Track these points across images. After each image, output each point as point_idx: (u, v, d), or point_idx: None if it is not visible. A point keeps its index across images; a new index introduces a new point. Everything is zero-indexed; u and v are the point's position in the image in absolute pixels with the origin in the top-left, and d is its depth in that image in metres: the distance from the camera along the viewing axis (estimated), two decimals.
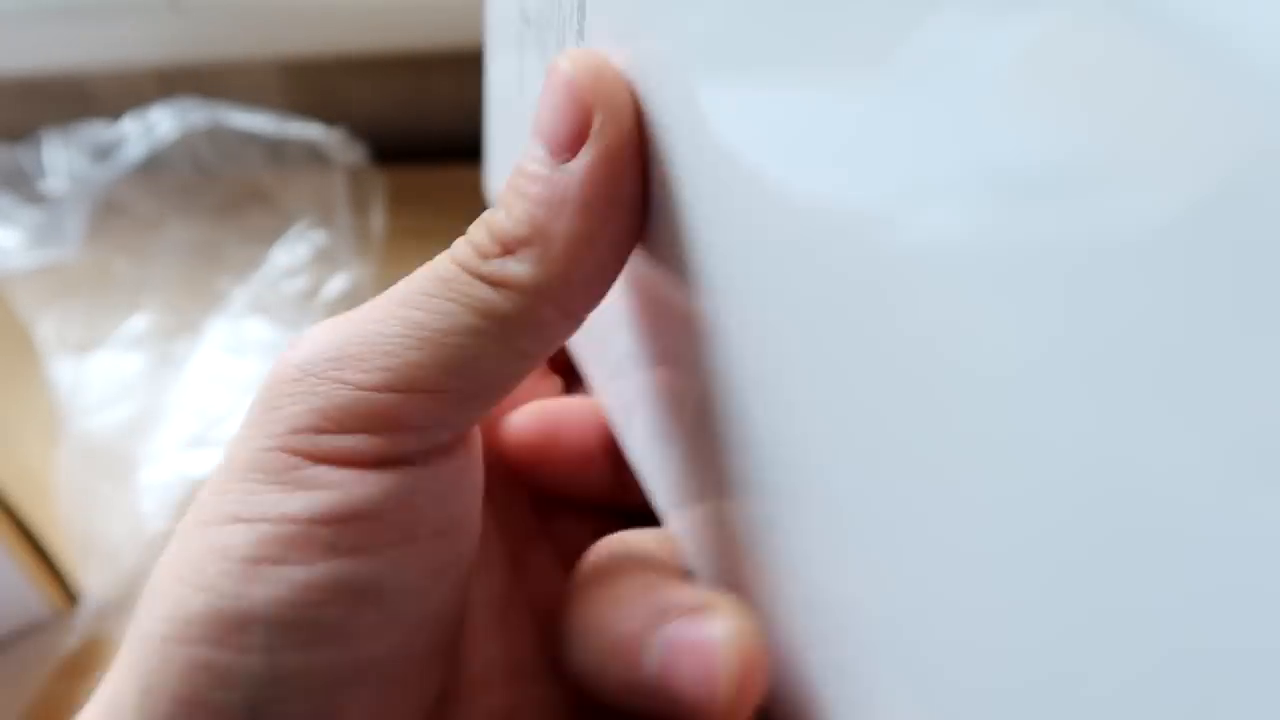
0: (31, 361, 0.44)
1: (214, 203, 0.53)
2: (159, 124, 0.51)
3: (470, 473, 0.16)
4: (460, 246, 0.15)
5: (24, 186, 0.51)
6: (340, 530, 0.14)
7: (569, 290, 0.15)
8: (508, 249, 0.15)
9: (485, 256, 0.15)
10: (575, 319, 0.15)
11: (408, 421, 0.15)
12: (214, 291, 0.50)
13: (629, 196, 0.15)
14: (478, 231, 0.15)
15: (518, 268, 0.15)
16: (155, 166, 0.51)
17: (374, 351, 0.15)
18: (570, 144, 0.15)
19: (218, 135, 0.51)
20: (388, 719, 0.15)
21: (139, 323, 0.49)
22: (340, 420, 0.15)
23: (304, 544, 0.14)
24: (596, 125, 0.14)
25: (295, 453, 0.15)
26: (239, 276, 0.50)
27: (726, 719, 0.13)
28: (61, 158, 0.51)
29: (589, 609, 0.15)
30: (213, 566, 0.14)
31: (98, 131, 0.51)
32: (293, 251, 0.51)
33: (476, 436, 0.17)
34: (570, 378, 0.23)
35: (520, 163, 0.15)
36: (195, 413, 0.45)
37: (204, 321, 0.48)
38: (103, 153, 0.51)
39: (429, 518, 0.15)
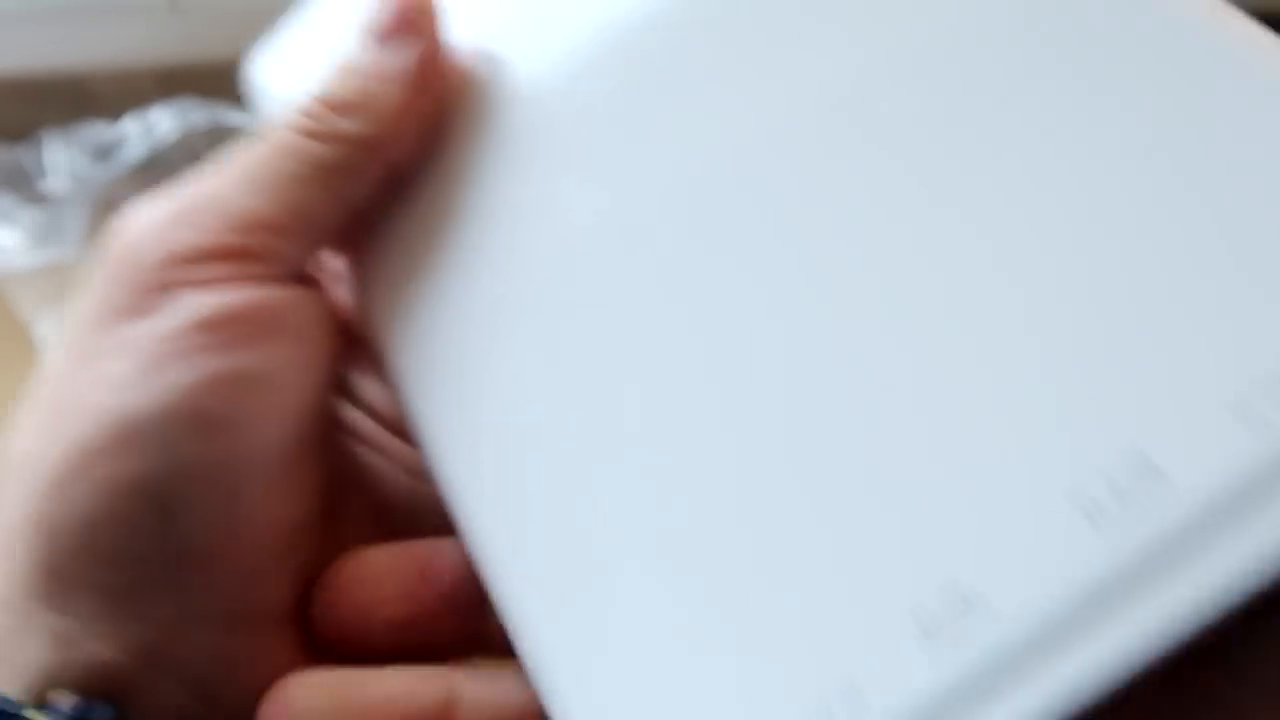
0: (31, 361, 0.44)
1: None
2: (159, 124, 0.51)
3: (320, 298, 0.18)
4: (292, 116, 0.18)
5: (24, 186, 0.51)
6: (209, 332, 0.16)
7: (389, 145, 0.18)
8: (336, 110, 0.18)
9: (315, 118, 0.18)
10: (390, 173, 0.18)
11: (251, 253, 0.17)
12: None
13: (438, 87, 0.18)
14: (308, 103, 0.18)
15: (345, 123, 0.18)
16: (155, 166, 0.51)
17: (215, 202, 0.17)
18: (394, 35, 0.18)
19: (218, 135, 0.51)
20: (282, 507, 0.17)
21: None
22: (190, 257, 0.16)
23: (180, 351, 0.16)
24: (417, 22, 0.18)
25: (152, 289, 0.16)
26: None
27: None
28: (61, 158, 0.51)
29: None
30: (95, 395, 0.16)
31: (98, 131, 0.51)
32: None
33: (322, 286, 0.19)
34: None
35: (350, 54, 0.18)
36: None
37: None
38: (103, 153, 0.51)
39: (288, 319, 0.17)
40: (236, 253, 0.17)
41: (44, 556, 0.15)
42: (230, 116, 0.51)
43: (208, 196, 0.17)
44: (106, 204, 0.50)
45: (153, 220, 0.17)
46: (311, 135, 0.18)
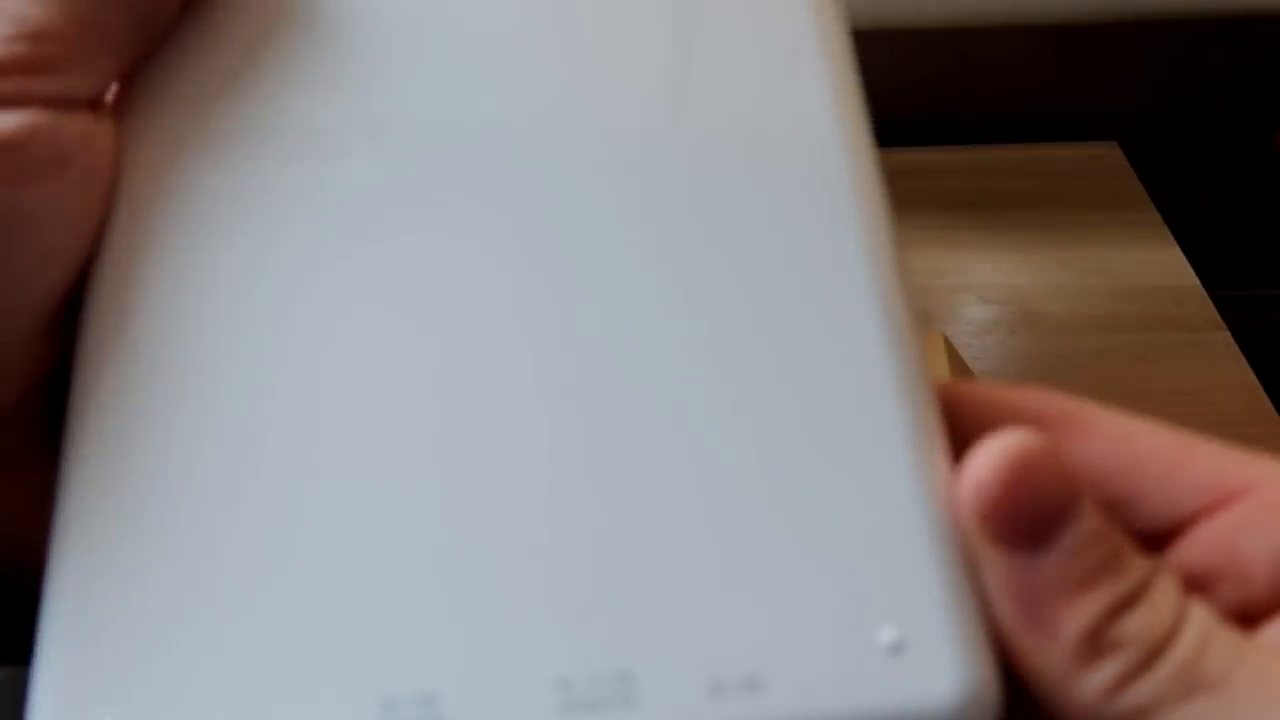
0: None
1: None
2: None
3: (113, 133, 0.16)
4: None
5: None
6: None
7: None
8: None
9: None
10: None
11: (38, 67, 0.15)
12: None
13: None
14: None
15: None
16: None
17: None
18: None
19: None
20: (35, 365, 0.15)
21: None
22: None
23: None
24: None
25: None
26: None
27: None
28: None
29: None
30: None
31: None
32: None
33: (114, 121, 0.17)
34: None
35: None
36: None
37: None
38: None
39: (75, 153, 0.15)
40: (19, 65, 0.14)
41: None
42: None
43: None
44: None
45: None
46: None
